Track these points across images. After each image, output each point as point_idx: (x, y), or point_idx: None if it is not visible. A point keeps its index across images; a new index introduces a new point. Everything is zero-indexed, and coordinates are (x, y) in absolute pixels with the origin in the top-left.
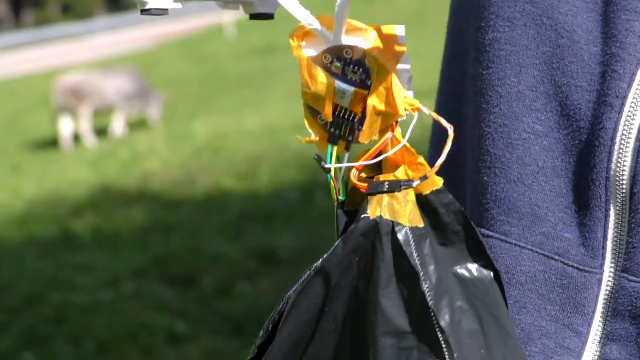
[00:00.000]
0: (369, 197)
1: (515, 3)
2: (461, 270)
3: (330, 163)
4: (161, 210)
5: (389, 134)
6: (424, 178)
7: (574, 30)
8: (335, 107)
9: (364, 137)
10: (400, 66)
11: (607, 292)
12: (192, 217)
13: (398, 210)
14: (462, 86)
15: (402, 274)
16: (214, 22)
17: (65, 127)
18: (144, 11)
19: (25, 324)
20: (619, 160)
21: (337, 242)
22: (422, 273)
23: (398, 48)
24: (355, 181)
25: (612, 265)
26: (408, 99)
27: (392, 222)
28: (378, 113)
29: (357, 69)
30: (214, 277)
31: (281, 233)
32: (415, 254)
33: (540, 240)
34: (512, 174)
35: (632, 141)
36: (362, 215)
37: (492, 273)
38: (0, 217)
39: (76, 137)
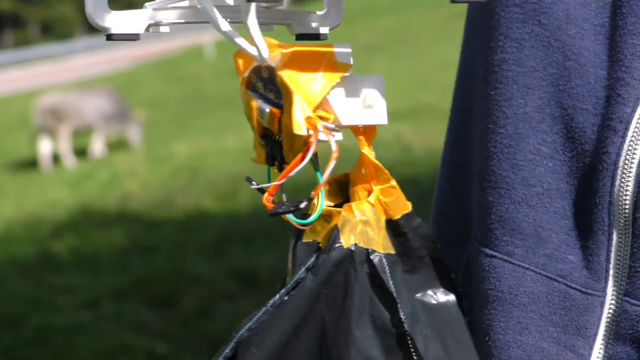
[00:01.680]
0: (340, 226)
1: (524, 24)
2: (425, 297)
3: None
4: (141, 231)
5: (306, 153)
6: (309, 199)
7: (581, 53)
8: (264, 127)
9: (288, 157)
10: (352, 80)
11: (610, 316)
12: (172, 238)
13: (373, 238)
14: (471, 105)
15: (376, 302)
16: (193, 42)
17: (44, 147)
18: (110, 36)
19: (5, 345)
20: (622, 185)
21: (302, 274)
22: (399, 300)
23: (333, 67)
24: (266, 202)
25: (615, 288)
26: (313, 118)
27: (367, 249)
28: (289, 132)
29: (272, 88)
30: (194, 298)
31: (261, 254)
32: (391, 282)
33: (544, 262)
34: (517, 195)
35: (634, 166)
36: (336, 245)
37: (454, 296)
38: None
39: (56, 158)
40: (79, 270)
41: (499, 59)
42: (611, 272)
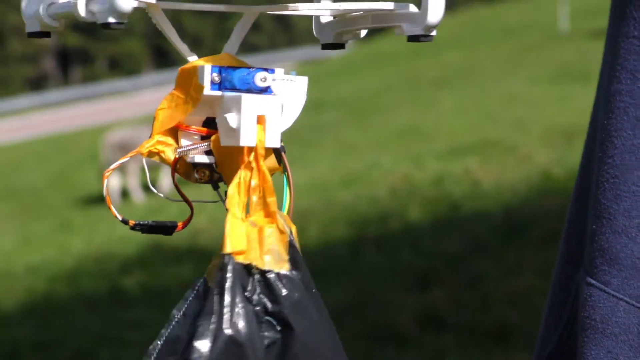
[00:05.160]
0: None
1: (639, 57)
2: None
3: None
4: None
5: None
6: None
7: None
8: None
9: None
10: (232, 101)
11: None
12: None
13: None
14: (596, 131)
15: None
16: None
17: (113, 183)
18: (325, 46)
19: None
20: None
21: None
22: (225, 307)
23: (196, 87)
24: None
25: None
26: (148, 142)
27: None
28: None
29: None
30: None
31: (332, 290)
32: (226, 286)
33: (638, 294)
34: (618, 225)
35: None
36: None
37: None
38: (51, 273)
39: (125, 193)
40: (148, 306)
41: (614, 89)
42: None
